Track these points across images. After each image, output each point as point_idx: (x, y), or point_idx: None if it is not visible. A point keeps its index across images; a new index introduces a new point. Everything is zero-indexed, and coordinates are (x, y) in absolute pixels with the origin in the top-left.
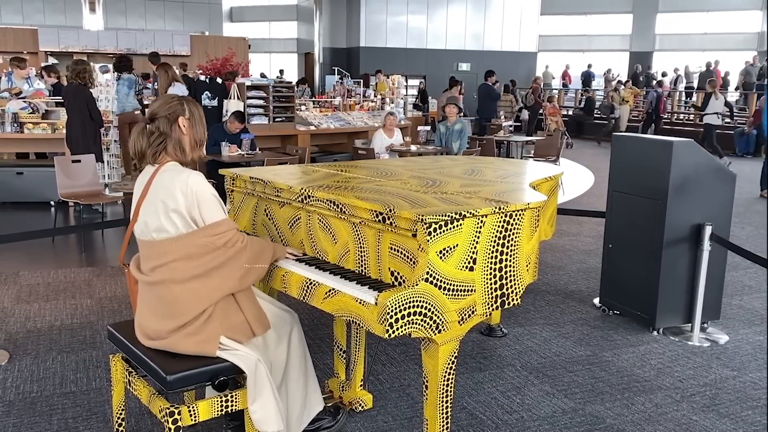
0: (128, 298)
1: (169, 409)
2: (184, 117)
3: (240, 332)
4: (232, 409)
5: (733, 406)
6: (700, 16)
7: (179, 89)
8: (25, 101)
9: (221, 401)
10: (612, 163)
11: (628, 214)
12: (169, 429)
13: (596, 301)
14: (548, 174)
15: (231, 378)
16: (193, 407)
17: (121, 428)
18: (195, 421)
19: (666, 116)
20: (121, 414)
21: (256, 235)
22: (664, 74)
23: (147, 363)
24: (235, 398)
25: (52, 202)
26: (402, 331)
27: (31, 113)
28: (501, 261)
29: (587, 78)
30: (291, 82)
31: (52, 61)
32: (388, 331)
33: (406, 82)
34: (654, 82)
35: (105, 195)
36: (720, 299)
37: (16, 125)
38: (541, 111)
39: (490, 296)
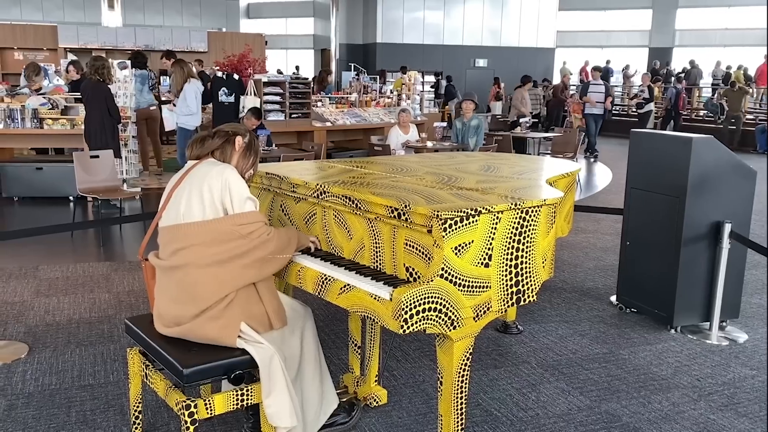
0: (145, 292)
1: (185, 402)
2: (243, 138)
3: (259, 322)
4: (247, 403)
5: (751, 405)
6: (721, 12)
7: (195, 86)
8: (44, 97)
9: (237, 395)
10: (630, 160)
11: (647, 212)
12: (185, 422)
13: (613, 298)
14: (565, 170)
15: (247, 372)
16: (209, 401)
17: (138, 421)
18: (211, 414)
19: (685, 113)
20: (138, 407)
21: None
22: (683, 70)
23: (164, 356)
24: (251, 392)
25: (71, 197)
26: (417, 327)
27: (50, 109)
28: (517, 257)
29: (606, 74)
30: (307, 78)
31: (71, 57)
32: (402, 326)
33: (423, 78)
34: (673, 78)
35: (123, 190)
36: (739, 298)
37: (35, 121)
38: (566, 108)
39: (506, 293)
